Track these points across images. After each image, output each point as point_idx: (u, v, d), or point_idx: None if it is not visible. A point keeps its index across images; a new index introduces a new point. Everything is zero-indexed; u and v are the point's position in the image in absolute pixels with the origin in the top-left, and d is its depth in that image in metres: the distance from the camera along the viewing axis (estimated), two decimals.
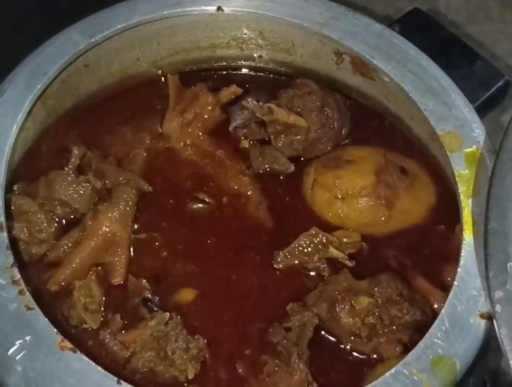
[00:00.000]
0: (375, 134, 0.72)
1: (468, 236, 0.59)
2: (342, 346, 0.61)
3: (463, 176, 0.62)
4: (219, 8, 0.72)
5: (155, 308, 0.61)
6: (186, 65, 0.76)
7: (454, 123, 0.64)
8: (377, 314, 0.60)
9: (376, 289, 0.61)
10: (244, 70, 0.77)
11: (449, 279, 0.63)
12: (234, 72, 0.77)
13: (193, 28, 0.73)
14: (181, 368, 0.58)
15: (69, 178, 0.65)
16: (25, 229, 0.62)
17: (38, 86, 0.64)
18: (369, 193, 0.66)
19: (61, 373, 0.52)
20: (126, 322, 0.60)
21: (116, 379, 0.52)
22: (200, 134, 0.72)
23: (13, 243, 0.60)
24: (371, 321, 0.60)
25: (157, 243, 0.65)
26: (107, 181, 0.67)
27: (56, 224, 0.64)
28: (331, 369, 0.60)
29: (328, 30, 0.70)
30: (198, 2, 0.71)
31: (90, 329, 0.60)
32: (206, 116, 0.72)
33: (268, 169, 0.70)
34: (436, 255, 0.65)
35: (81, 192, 0.65)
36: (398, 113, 0.71)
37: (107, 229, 0.63)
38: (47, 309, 0.56)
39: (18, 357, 0.53)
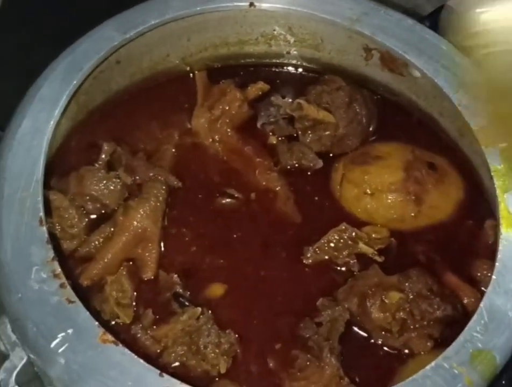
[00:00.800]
0: (402, 130, 0.73)
1: (504, 231, 0.59)
2: (373, 341, 0.61)
3: (499, 171, 0.62)
4: (251, 4, 0.72)
5: (187, 303, 0.61)
6: (215, 61, 0.76)
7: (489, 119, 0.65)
8: (407, 309, 0.60)
9: (406, 284, 0.61)
10: (271, 67, 0.77)
11: (478, 274, 0.63)
12: (261, 69, 0.77)
13: (223, 24, 0.73)
14: (213, 363, 0.58)
15: (100, 174, 0.65)
16: (57, 224, 0.63)
17: (74, 82, 0.65)
18: (398, 189, 0.67)
19: (103, 366, 0.53)
20: (157, 317, 0.60)
21: (158, 372, 0.53)
22: (228, 130, 0.72)
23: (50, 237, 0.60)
24: (402, 316, 0.60)
25: (186, 238, 0.66)
26: (137, 177, 0.67)
27: (86, 220, 0.64)
28: (362, 364, 0.60)
29: (360, 26, 0.70)
30: None
31: (121, 323, 0.60)
32: (233, 112, 0.72)
33: (296, 165, 0.70)
34: (464, 250, 0.66)
35: (111, 187, 0.65)
36: (427, 109, 0.72)
37: (138, 224, 0.63)
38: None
39: (60, 350, 0.53)
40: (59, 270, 0.56)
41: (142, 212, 0.64)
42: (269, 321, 0.62)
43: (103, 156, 0.66)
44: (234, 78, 0.74)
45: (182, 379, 0.53)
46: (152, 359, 0.58)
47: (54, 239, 0.59)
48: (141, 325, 0.59)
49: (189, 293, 0.62)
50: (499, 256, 0.58)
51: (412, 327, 0.60)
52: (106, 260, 0.62)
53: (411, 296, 0.60)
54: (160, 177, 0.67)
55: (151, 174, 0.67)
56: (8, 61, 0.80)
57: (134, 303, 0.62)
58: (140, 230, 0.63)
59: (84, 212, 0.65)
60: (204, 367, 0.58)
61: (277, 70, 0.77)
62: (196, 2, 0.71)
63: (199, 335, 0.59)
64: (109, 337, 0.54)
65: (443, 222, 0.67)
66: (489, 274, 0.59)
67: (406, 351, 0.60)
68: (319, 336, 0.60)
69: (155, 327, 0.60)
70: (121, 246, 0.63)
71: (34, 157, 0.61)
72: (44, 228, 0.57)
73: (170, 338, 0.59)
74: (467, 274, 0.64)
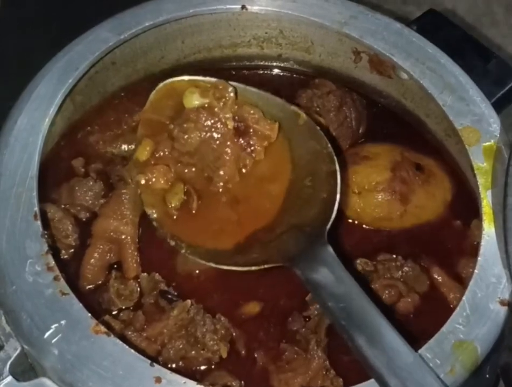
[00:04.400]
0: (391, 131, 0.74)
1: (487, 226, 0.60)
2: None
3: (482, 169, 0.63)
4: (243, 7, 0.73)
5: (174, 298, 0.62)
6: (208, 64, 0.78)
7: (472, 118, 0.66)
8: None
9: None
10: (264, 69, 0.79)
11: (464, 271, 0.65)
12: (253, 71, 0.79)
13: (216, 26, 0.75)
14: (213, 349, 0.60)
15: (90, 183, 0.67)
16: (53, 235, 0.64)
17: (69, 81, 0.66)
18: (384, 188, 0.68)
19: (96, 356, 0.54)
20: (147, 317, 0.61)
21: (149, 361, 0.54)
22: None
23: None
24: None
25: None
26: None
27: (79, 229, 0.65)
28: (349, 356, 0.60)
29: (348, 29, 0.72)
30: (223, 1, 0.73)
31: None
32: None
33: None
34: (451, 249, 0.67)
35: (101, 195, 0.67)
36: (415, 111, 0.73)
37: (109, 229, 0.65)
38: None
39: (53, 340, 0.54)
40: (53, 263, 0.57)
41: (111, 216, 0.65)
42: (258, 315, 0.63)
43: (93, 165, 0.68)
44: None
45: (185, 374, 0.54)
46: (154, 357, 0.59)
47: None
48: (133, 328, 0.59)
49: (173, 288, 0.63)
50: (481, 250, 0.59)
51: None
52: (89, 267, 0.64)
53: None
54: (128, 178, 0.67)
55: (117, 174, 0.68)
56: (7, 62, 0.81)
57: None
58: (112, 234, 0.65)
59: (77, 221, 0.66)
60: (205, 355, 0.60)
61: (269, 72, 0.79)
62: (189, 5, 0.72)
63: (195, 325, 0.60)
64: (102, 328, 0.55)
65: (430, 222, 0.69)
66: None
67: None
68: (306, 330, 0.61)
69: (146, 327, 0.60)
70: (98, 255, 0.64)
71: (29, 154, 0.62)
72: (39, 222, 0.59)
73: (166, 335, 0.60)
74: (453, 272, 0.65)
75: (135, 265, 0.64)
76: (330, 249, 0.58)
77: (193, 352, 0.60)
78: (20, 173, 0.61)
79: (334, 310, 0.55)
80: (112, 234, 0.65)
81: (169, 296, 0.63)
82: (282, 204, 0.64)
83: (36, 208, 0.60)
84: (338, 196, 0.61)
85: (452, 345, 0.55)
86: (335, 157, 0.63)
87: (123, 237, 0.65)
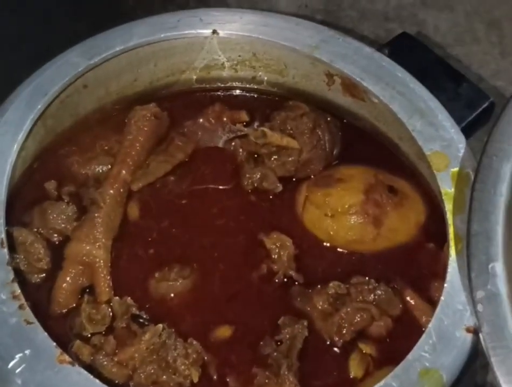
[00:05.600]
0: (365, 154, 0.74)
1: (454, 253, 0.61)
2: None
3: (449, 194, 0.64)
4: (214, 32, 0.74)
5: (146, 323, 0.62)
6: (182, 86, 0.78)
7: (441, 144, 0.66)
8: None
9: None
10: (238, 91, 0.79)
11: (437, 295, 0.64)
12: (228, 93, 0.79)
13: (189, 49, 0.75)
14: (185, 374, 0.59)
15: (63, 206, 0.67)
16: (24, 259, 0.64)
17: (39, 106, 0.66)
18: (357, 211, 0.68)
19: (60, 386, 0.54)
20: (119, 342, 0.60)
21: None
22: None
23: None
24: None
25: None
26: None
27: (51, 253, 0.65)
28: (320, 381, 0.61)
29: (319, 53, 0.72)
30: (194, 26, 0.73)
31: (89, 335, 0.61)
32: None
33: (256, 187, 0.71)
34: (424, 272, 0.67)
35: (74, 219, 0.67)
36: (388, 134, 0.73)
37: (80, 253, 0.64)
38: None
39: (17, 370, 0.54)
40: (19, 291, 0.57)
41: (83, 240, 0.65)
42: (229, 338, 0.63)
43: (66, 188, 0.69)
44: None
45: None
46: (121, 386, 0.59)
47: (20, 275, 0.61)
48: (104, 353, 0.59)
49: (144, 312, 0.63)
50: (448, 277, 0.60)
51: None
52: (61, 292, 0.63)
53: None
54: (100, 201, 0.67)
55: (90, 197, 0.68)
56: None
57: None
58: (85, 258, 0.65)
59: (49, 244, 0.66)
60: (177, 380, 0.59)
61: (243, 94, 0.79)
62: (161, 29, 0.72)
63: (166, 350, 0.60)
64: (67, 357, 0.55)
65: (403, 245, 0.69)
66: None
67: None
68: (278, 354, 0.61)
69: (117, 351, 0.60)
70: (70, 279, 0.64)
71: None
72: (5, 250, 0.59)
73: (137, 360, 0.59)
74: (426, 295, 0.65)
75: (107, 289, 0.64)
76: None
77: (164, 376, 0.59)
78: None
79: None
80: (84, 258, 0.64)
81: (141, 320, 0.63)
82: None
83: (3, 235, 0.59)
84: None
85: (418, 373, 0.55)
86: None
87: (96, 260, 0.65)
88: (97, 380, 0.54)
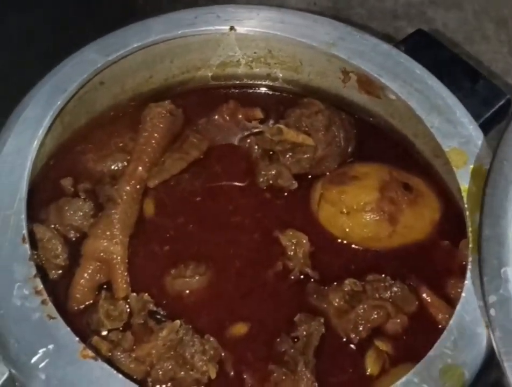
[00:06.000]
0: (380, 151, 0.74)
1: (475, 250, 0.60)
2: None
3: (468, 191, 0.64)
4: (231, 28, 0.74)
5: (163, 319, 0.62)
6: (197, 83, 0.78)
7: (460, 140, 0.66)
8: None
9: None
10: (252, 88, 0.79)
11: (453, 292, 0.65)
12: (242, 90, 0.79)
13: (205, 46, 0.75)
14: (202, 370, 0.59)
15: (80, 203, 0.67)
16: (42, 255, 0.64)
17: (58, 103, 0.66)
18: (373, 209, 0.68)
19: (83, 381, 0.54)
20: (136, 338, 0.61)
21: (137, 386, 0.54)
22: None
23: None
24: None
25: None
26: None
27: (69, 249, 0.66)
28: (336, 378, 0.61)
29: (336, 49, 0.72)
30: (212, 22, 0.73)
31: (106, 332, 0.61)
32: None
33: (271, 184, 0.71)
34: (440, 269, 0.67)
35: (90, 215, 0.67)
36: (403, 131, 0.74)
37: (97, 249, 0.65)
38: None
39: (41, 365, 0.54)
40: (41, 286, 0.57)
41: (101, 237, 0.65)
42: (245, 336, 0.63)
43: (81, 185, 0.69)
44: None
45: None
46: (140, 382, 0.59)
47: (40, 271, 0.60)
48: (122, 348, 0.59)
49: (161, 308, 0.63)
50: (468, 274, 0.59)
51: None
52: (79, 288, 0.64)
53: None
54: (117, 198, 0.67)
55: (106, 194, 0.68)
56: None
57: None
58: (102, 254, 0.65)
59: (66, 241, 0.66)
60: (194, 376, 0.59)
61: (258, 91, 0.79)
62: (178, 26, 0.72)
63: (183, 346, 0.60)
64: (90, 352, 0.55)
65: (419, 242, 0.69)
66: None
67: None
68: (294, 350, 0.61)
69: (135, 347, 0.60)
70: (88, 275, 0.64)
71: (17, 176, 0.62)
72: (27, 245, 0.59)
73: (154, 356, 0.59)
74: (442, 293, 0.65)
75: (125, 285, 0.64)
76: None
77: (182, 373, 0.59)
78: (8, 196, 0.61)
79: None
80: (102, 254, 0.64)
81: (158, 316, 0.63)
82: None
83: (24, 231, 0.59)
84: None
85: (440, 370, 0.55)
86: None
87: (113, 257, 0.65)
88: (120, 375, 0.54)
